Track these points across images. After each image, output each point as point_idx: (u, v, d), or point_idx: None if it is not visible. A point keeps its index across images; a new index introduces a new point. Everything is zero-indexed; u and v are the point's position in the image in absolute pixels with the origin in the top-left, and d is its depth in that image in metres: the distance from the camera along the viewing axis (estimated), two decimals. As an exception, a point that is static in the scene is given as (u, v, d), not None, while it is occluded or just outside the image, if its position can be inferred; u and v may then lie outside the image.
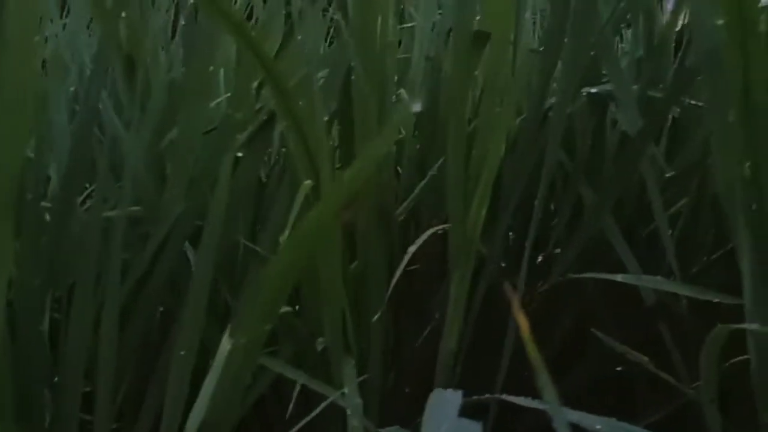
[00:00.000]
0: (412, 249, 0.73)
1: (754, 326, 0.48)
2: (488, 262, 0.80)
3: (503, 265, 0.83)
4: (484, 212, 0.74)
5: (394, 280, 0.71)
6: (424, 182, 0.85)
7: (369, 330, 0.79)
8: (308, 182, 0.64)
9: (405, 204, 0.85)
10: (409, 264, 0.90)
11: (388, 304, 0.80)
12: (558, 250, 0.85)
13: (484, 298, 0.79)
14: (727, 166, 0.50)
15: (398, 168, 0.93)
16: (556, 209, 0.88)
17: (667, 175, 0.75)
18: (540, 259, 0.85)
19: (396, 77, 0.84)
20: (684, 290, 0.65)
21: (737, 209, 0.49)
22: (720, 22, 0.43)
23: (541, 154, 0.76)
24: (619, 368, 0.84)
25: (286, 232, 0.61)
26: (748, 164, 0.47)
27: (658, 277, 0.69)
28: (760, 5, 0.44)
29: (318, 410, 0.58)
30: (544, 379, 0.26)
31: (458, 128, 0.77)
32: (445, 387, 0.80)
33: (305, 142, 0.60)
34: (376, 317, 0.74)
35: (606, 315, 0.83)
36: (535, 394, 0.90)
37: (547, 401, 0.29)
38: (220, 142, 0.64)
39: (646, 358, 0.61)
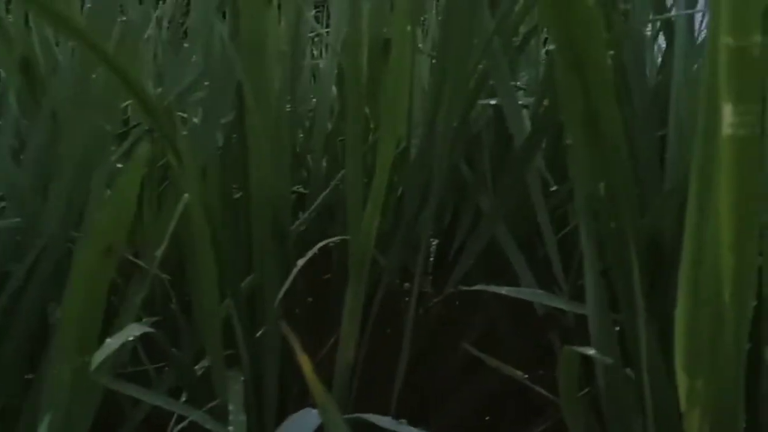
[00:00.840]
0: (300, 262, 0.72)
1: (590, 351, 0.48)
2: (384, 272, 0.79)
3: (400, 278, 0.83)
4: (376, 222, 0.74)
5: (282, 291, 0.71)
6: (325, 193, 0.84)
7: (263, 345, 0.78)
8: (186, 195, 0.63)
9: (305, 215, 0.84)
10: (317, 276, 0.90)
11: (288, 318, 0.79)
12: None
13: (381, 310, 0.79)
14: (582, 185, 0.49)
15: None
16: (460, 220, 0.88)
17: (552, 188, 0.75)
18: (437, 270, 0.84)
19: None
20: (558, 303, 0.65)
21: (588, 228, 0.49)
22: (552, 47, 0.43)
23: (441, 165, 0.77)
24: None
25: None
26: (602, 184, 0.47)
27: (539, 290, 0.69)
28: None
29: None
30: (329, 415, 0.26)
31: (354, 136, 0.77)
32: (342, 400, 0.80)
33: (177, 156, 0.59)
34: (262, 330, 0.73)
35: (506, 326, 0.83)
36: (433, 407, 0.90)
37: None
38: (93, 154, 0.63)
39: (519, 373, 0.61)
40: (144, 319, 0.68)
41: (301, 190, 0.91)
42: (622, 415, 0.51)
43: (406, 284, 0.89)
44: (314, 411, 0.45)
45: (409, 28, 0.71)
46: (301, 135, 1.00)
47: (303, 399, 0.88)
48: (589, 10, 0.41)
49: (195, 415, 0.58)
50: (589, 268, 0.50)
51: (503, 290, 0.67)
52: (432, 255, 0.86)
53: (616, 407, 0.51)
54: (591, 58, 0.43)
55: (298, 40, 0.92)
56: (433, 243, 0.85)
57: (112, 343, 0.51)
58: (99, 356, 0.49)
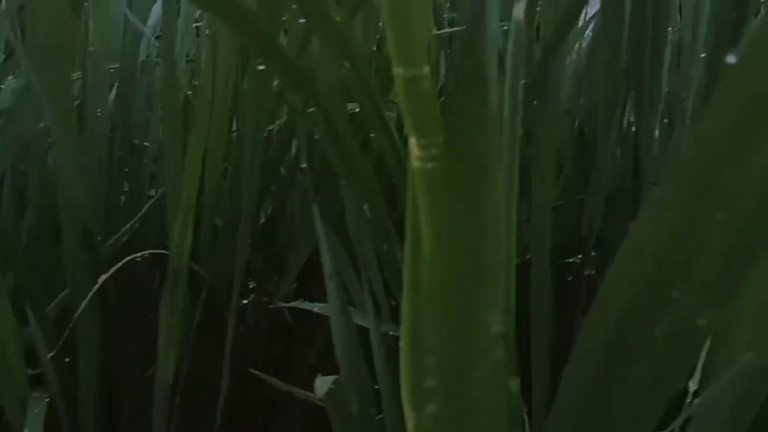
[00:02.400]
0: (104, 277, 0.68)
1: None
2: (206, 287, 0.76)
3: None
4: (189, 236, 0.71)
5: (84, 303, 0.67)
6: (147, 206, 0.81)
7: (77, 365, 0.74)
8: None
9: (127, 227, 0.80)
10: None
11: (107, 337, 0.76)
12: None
13: (203, 326, 0.76)
14: (351, 204, 0.48)
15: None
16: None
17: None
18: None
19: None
20: (364, 322, 0.63)
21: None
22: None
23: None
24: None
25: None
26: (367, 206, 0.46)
27: (352, 309, 0.67)
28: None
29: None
30: None
31: (173, 147, 0.74)
32: (163, 421, 0.77)
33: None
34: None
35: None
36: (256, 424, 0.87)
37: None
38: None
39: (312, 395, 0.58)
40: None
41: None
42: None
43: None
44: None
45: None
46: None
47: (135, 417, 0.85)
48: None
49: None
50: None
51: (315, 307, 0.65)
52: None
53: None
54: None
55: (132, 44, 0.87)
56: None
57: None
58: None
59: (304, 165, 0.65)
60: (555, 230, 0.72)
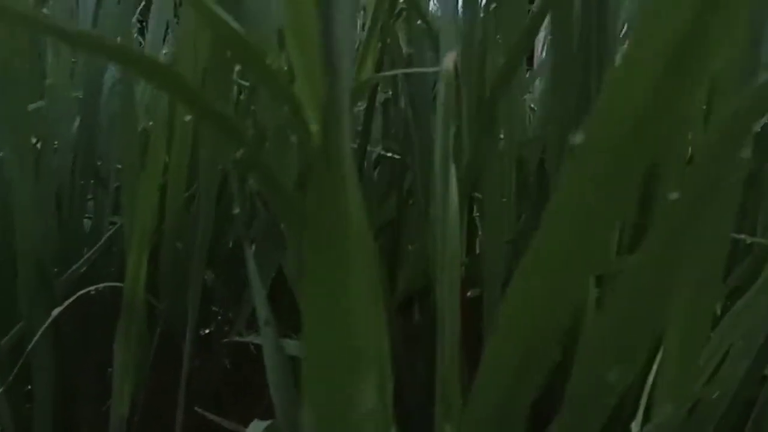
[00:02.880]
0: (56, 311, 0.68)
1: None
2: (162, 318, 0.76)
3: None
4: (143, 268, 0.70)
5: (36, 338, 0.67)
6: (106, 237, 0.81)
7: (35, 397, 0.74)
8: None
9: (84, 259, 0.80)
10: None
11: (62, 370, 0.75)
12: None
13: (160, 358, 0.76)
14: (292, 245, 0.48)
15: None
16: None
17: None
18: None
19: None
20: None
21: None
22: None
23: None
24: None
25: None
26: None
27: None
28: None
29: None
30: None
31: (129, 179, 0.74)
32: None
33: None
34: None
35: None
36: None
37: None
38: None
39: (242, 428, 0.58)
40: None
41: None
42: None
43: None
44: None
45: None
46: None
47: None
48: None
49: None
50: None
51: (256, 339, 0.65)
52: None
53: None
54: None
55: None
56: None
57: None
58: None
59: (236, 211, 0.65)
60: (513, 264, 0.72)
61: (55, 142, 0.76)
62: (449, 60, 0.40)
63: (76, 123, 0.87)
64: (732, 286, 0.61)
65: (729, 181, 0.28)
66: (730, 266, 0.64)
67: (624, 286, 0.27)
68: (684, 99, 0.18)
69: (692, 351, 0.33)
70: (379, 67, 0.76)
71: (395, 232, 0.81)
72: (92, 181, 0.89)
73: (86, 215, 0.90)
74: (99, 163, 0.88)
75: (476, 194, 0.75)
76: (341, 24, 0.19)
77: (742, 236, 0.56)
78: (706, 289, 0.32)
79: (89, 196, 0.91)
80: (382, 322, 0.22)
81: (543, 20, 0.57)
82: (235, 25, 0.36)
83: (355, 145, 0.79)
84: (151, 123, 0.84)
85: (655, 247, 0.23)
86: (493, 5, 0.67)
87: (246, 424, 0.59)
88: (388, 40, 0.73)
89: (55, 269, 0.76)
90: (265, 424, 0.44)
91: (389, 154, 0.84)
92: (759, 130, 0.67)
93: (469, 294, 0.66)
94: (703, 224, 0.22)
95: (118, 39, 0.76)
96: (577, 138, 0.19)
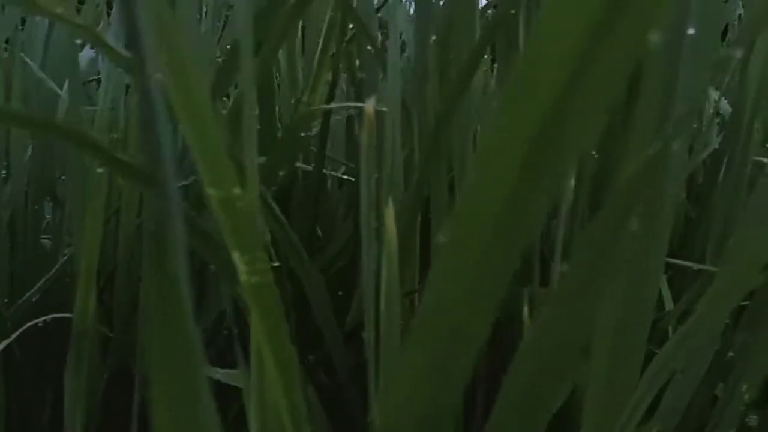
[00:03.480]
0: (4, 343, 0.67)
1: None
2: (112, 349, 0.75)
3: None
4: (92, 298, 0.69)
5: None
6: (55, 269, 0.79)
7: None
8: None
9: (34, 289, 0.79)
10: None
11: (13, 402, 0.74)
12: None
13: (112, 388, 0.75)
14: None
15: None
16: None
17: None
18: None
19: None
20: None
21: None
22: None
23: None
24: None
25: None
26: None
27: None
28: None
29: None
30: None
31: (76, 208, 0.73)
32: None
33: None
34: None
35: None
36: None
37: None
38: None
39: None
40: None
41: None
42: None
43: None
44: None
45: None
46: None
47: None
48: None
49: None
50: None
51: (217, 375, 0.64)
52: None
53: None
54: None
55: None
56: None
57: None
58: None
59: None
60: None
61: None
62: (369, 108, 0.39)
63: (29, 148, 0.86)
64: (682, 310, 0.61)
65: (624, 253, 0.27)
66: (681, 290, 0.64)
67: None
68: (541, 198, 0.17)
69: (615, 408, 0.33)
70: (333, 90, 0.75)
71: (353, 255, 0.81)
72: (50, 203, 0.88)
73: (44, 236, 0.89)
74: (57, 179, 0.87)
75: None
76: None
77: (689, 263, 0.56)
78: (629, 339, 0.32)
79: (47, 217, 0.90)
80: None
81: (486, 46, 0.57)
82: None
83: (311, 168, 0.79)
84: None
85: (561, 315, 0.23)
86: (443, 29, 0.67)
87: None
88: (340, 65, 0.73)
89: (5, 300, 0.75)
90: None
91: (346, 177, 0.83)
92: (705, 156, 0.68)
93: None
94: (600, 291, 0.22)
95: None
96: (440, 238, 0.18)
